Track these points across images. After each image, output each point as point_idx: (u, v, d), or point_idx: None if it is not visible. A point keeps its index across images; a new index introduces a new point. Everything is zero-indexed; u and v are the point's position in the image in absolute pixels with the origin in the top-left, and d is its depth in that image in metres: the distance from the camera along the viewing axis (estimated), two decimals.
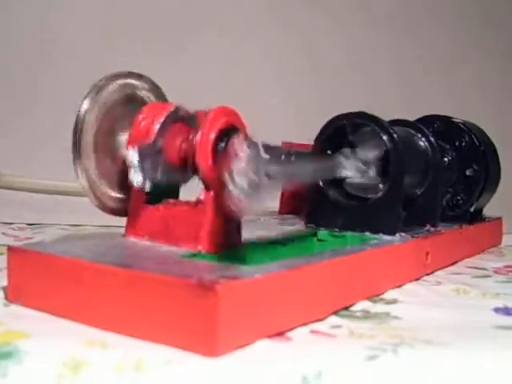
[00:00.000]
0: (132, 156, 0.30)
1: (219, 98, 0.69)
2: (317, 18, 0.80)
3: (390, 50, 0.84)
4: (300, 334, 0.27)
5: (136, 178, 0.30)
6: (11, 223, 0.61)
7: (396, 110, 0.75)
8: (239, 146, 0.29)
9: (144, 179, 0.31)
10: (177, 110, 0.33)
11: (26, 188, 0.66)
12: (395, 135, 0.40)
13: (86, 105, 0.34)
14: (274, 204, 0.52)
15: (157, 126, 0.32)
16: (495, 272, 0.44)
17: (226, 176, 0.28)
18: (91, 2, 0.72)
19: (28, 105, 0.69)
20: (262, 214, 0.29)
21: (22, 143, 0.67)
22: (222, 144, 0.32)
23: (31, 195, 0.66)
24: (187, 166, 0.32)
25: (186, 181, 0.34)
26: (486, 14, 0.88)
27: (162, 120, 0.33)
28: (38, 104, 0.69)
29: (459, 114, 0.60)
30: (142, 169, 0.30)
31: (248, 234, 0.35)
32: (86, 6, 0.72)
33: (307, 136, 0.43)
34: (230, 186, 0.28)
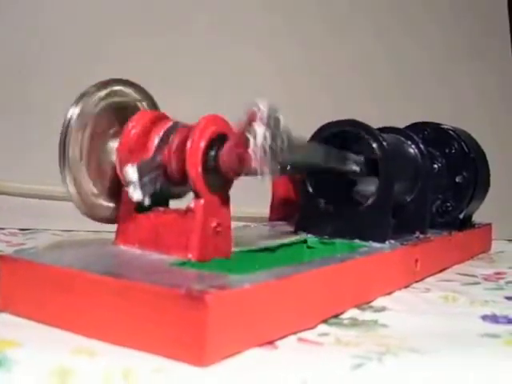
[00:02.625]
0: (131, 172, 0.31)
1: (218, 98, 0.69)
2: (317, 24, 0.81)
3: (389, 53, 0.84)
4: (287, 342, 0.27)
5: (135, 194, 0.31)
6: (3, 228, 0.61)
7: (395, 111, 0.76)
8: (262, 106, 0.30)
9: (143, 195, 0.31)
10: (175, 124, 0.33)
11: (17, 193, 0.67)
12: (385, 143, 0.40)
13: (72, 112, 0.34)
14: (265, 210, 0.52)
15: (155, 141, 0.33)
16: (485, 279, 0.44)
17: (246, 129, 0.30)
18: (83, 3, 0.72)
19: (18, 109, 0.69)
20: (275, 174, 0.30)
21: (12, 147, 0.67)
22: (212, 152, 0.32)
23: (23, 200, 0.66)
24: (185, 180, 0.33)
25: (184, 195, 0.34)
26: (483, 17, 0.88)
27: (160, 134, 0.33)
28: (28, 108, 0.69)
29: (456, 117, 0.60)
30: (142, 185, 0.31)
31: (238, 241, 0.35)
32: (78, 7, 0.72)
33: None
34: (250, 139, 0.29)
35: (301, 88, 0.78)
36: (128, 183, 0.31)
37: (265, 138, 0.30)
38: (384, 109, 0.79)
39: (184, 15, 0.75)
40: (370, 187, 0.41)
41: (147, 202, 0.31)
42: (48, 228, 0.62)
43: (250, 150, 0.30)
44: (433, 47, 0.86)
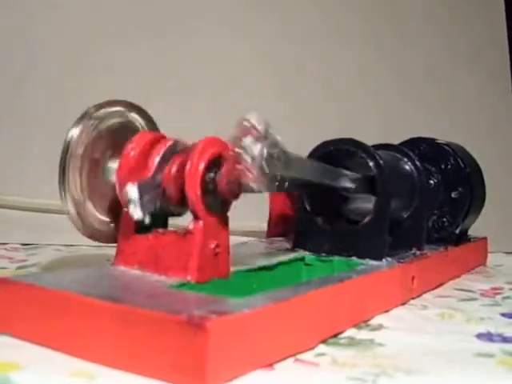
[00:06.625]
0: (132, 191, 0.31)
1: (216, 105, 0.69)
2: (315, 35, 0.81)
3: (388, 63, 0.84)
4: (284, 362, 0.27)
5: (136, 213, 0.31)
6: (5, 243, 0.61)
7: (394, 121, 0.77)
8: (255, 121, 0.30)
9: (144, 214, 0.31)
10: (175, 143, 0.34)
11: (19, 207, 0.67)
12: (381, 161, 0.40)
13: (74, 131, 0.35)
14: (263, 224, 0.52)
15: (156, 160, 0.33)
16: (482, 294, 0.44)
17: (241, 146, 0.30)
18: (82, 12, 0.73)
19: (20, 122, 0.69)
20: (272, 189, 0.31)
21: (13, 161, 0.68)
22: (211, 174, 0.33)
23: (25, 214, 0.67)
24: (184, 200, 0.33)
25: (183, 213, 0.35)
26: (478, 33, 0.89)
27: (160, 154, 0.33)
28: (28, 121, 0.69)
29: (453, 127, 0.61)
30: (142, 204, 0.31)
31: (236, 259, 0.35)
32: (77, 16, 0.72)
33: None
34: (245, 156, 0.29)
35: (300, 99, 0.79)
36: (128, 202, 0.32)
37: (261, 154, 0.30)
38: (383, 119, 0.80)
39: (177, 24, 0.75)
40: (366, 205, 0.41)
41: (147, 220, 0.32)
42: (50, 243, 0.62)
43: (246, 168, 0.30)
44: (432, 57, 0.86)
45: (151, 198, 0.32)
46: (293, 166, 0.34)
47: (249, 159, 0.30)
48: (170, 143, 0.34)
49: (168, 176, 0.33)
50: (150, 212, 0.32)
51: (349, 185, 0.41)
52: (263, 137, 0.30)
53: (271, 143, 0.30)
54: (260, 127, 0.30)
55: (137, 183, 0.32)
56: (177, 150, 0.34)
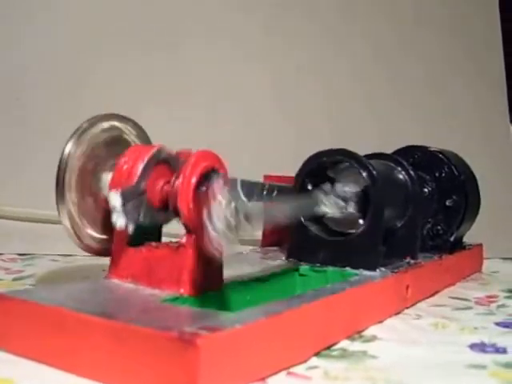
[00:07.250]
0: (114, 199, 0.31)
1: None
2: (314, 42, 0.82)
3: (386, 69, 0.85)
4: (277, 376, 0.27)
5: (119, 220, 0.31)
6: (2, 254, 0.61)
7: (392, 127, 0.77)
8: (219, 189, 0.30)
9: (127, 222, 0.31)
10: (159, 151, 0.34)
11: (17, 217, 0.67)
12: (374, 172, 0.41)
13: (69, 147, 0.35)
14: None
15: (139, 168, 0.33)
16: (477, 303, 0.44)
17: (206, 219, 0.30)
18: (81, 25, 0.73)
19: (18, 133, 0.69)
20: (236, 250, 0.30)
21: (12, 172, 0.68)
22: (203, 188, 0.33)
23: (23, 224, 0.67)
24: (168, 208, 0.33)
25: (167, 222, 0.35)
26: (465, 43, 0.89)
27: (144, 162, 0.33)
28: (28, 133, 0.69)
29: (449, 134, 0.60)
30: (125, 212, 0.31)
31: (230, 270, 0.35)
32: (75, 28, 0.73)
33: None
34: (209, 229, 0.29)
35: (299, 99, 0.79)
36: (111, 210, 0.32)
37: (224, 226, 0.30)
38: (383, 119, 0.80)
39: (176, 25, 0.75)
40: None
41: (131, 229, 0.32)
42: (47, 253, 0.62)
43: (209, 235, 0.30)
44: (430, 60, 0.86)
45: (135, 205, 0.32)
46: (263, 216, 0.35)
47: (211, 232, 0.30)
48: (153, 150, 0.34)
49: (153, 188, 0.33)
50: (135, 221, 0.32)
51: (327, 210, 0.41)
52: (226, 207, 0.30)
53: (235, 210, 0.30)
54: (222, 198, 0.30)
55: (120, 191, 0.32)
56: (161, 158, 0.34)
